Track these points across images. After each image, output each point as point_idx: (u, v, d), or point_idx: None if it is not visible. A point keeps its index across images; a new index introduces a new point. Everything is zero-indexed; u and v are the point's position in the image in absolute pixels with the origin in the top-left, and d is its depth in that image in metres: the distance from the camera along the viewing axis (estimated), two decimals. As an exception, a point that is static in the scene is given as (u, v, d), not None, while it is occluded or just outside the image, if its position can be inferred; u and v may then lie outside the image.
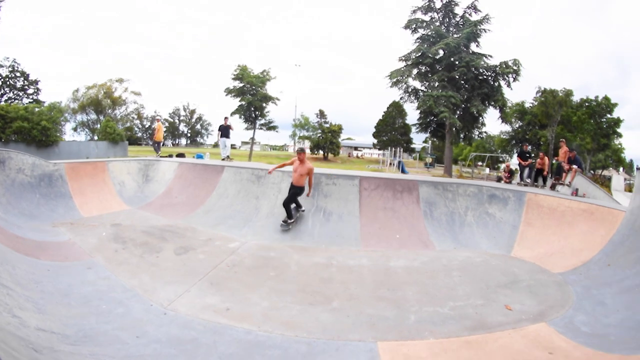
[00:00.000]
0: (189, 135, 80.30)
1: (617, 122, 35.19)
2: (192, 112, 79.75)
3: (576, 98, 35.55)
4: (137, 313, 4.05)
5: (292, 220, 8.54)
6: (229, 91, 36.07)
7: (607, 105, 35.12)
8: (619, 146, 37.67)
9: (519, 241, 8.33)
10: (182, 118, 79.84)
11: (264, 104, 36.46)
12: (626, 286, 4.85)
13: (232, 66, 50.05)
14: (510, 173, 15.50)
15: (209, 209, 9.34)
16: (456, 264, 6.78)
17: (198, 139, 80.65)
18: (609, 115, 35.39)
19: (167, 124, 75.04)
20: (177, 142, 78.49)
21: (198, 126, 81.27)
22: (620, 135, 36.10)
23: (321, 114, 56.57)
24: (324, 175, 9.97)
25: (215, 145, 78.44)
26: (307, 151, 57.80)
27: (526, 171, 13.75)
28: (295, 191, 8.54)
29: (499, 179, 16.43)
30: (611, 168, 35.37)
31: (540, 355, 3.42)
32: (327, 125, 54.61)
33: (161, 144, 15.88)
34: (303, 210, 9.04)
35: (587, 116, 35.05)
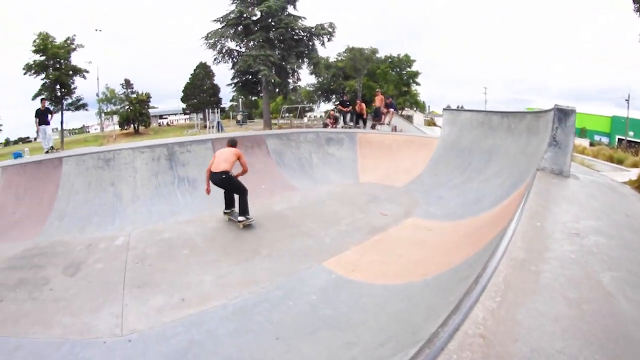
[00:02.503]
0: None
1: (416, 74, 45.51)
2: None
3: (380, 54, 43.33)
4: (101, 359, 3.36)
5: (230, 209, 7.14)
6: (28, 68, 28.90)
7: (406, 61, 44.74)
8: (416, 92, 47.37)
9: (361, 171, 10.38)
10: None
11: (71, 80, 30.64)
12: (452, 185, 7.12)
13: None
14: (335, 119, 17.84)
15: (62, 214, 7.93)
16: (325, 196, 8.21)
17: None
18: (409, 69, 45.12)
19: None
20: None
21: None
22: (418, 84, 46.49)
23: (127, 83, 50.57)
24: (177, 144, 9.87)
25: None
26: (116, 127, 51.42)
27: (348, 116, 16.27)
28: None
29: (325, 125, 18.68)
30: (407, 108, 44.46)
31: (425, 232, 5.05)
32: (134, 96, 49.35)
33: None
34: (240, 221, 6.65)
35: (389, 69, 43.77)
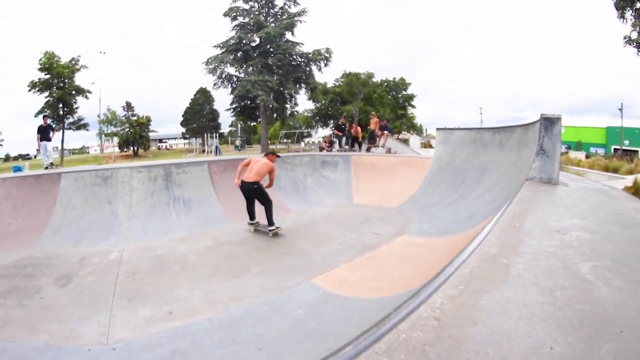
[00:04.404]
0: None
1: (412, 97, 46.16)
2: (-38, 118, 57.44)
3: (377, 79, 43.79)
4: (86, 366, 3.36)
5: (255, 221, 7.61)
6: (33, 85, 29.68)
7: (402, 84, 45.55)
8: (412, 115, 48.14)
9: (355, 192, 10.47)
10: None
11: (74, 99, 31.29)
12: (445, 204, 7.20)
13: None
14: (331, 143, 18.00)
15: (58, 228, 8.05)
16: (319, 217, 8.29)
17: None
18: (404, 92, 45.82)
19: None
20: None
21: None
22: (414, 107, 47.13)
23: (128, 106, 51.26)
24: (173, 165, 9.98)
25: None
26: (116, 149, 51.78)
27: (343, 140, 16.50)
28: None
29: (320, 149, 18.80)
30: (404, 132, 44.80)
31: (417, 249, 5.06)
32: (135, 118, 50.01)
33: None
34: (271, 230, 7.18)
35: (385, 93, 44.47)
